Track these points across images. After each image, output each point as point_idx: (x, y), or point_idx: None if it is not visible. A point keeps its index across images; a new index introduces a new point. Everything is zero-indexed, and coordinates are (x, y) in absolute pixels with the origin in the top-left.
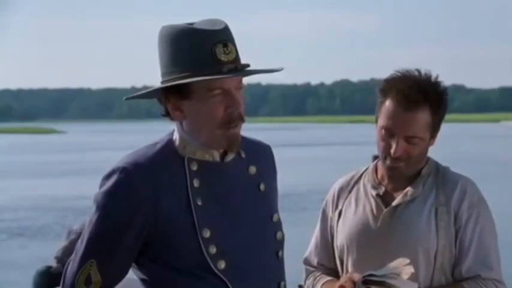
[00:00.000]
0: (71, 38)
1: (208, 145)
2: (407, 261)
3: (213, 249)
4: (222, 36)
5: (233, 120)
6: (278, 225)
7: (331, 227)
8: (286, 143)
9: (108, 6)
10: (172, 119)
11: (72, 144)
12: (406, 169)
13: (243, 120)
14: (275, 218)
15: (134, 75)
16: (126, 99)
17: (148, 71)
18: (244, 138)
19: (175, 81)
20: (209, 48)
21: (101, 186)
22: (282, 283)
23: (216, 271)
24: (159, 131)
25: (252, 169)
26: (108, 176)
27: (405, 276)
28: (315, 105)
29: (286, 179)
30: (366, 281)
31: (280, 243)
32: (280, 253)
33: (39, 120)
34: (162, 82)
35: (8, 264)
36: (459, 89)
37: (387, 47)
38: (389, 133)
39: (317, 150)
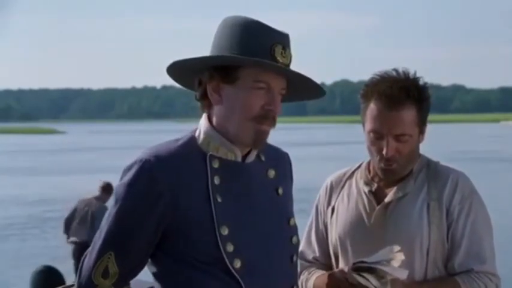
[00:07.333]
0: (71, 38)
1: (235, 136)
2: (398, 248)
3: (230, 247)
4: (284, 40)
5: (267, 117)
6: (294, 230)
7: (325, 223)
8: (286, 142)
9: (109, 6)
10: (203, 106)
11: (72, 144)
12: (401, 169)
13: (274, 124)
14: (292, 222)
15: (134, 75)
16: (174, 62)
17: (148, 71)
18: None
19: (230, 59)
20: (269, 44)
21: (122, 178)
22: (295, 287)
23: (232, 269)
24: (159, 131)
25: (271, 173)
26: (129, 168)
27: (396, 264)
28: (315, 106)
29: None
30: (356, 268)
31: (296, 248)
32: (294, 257)
33: (39, 120)
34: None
35: None
36: (459, 89)
37: (387, 47)
38: (378, 135)
39: (317, 150)
